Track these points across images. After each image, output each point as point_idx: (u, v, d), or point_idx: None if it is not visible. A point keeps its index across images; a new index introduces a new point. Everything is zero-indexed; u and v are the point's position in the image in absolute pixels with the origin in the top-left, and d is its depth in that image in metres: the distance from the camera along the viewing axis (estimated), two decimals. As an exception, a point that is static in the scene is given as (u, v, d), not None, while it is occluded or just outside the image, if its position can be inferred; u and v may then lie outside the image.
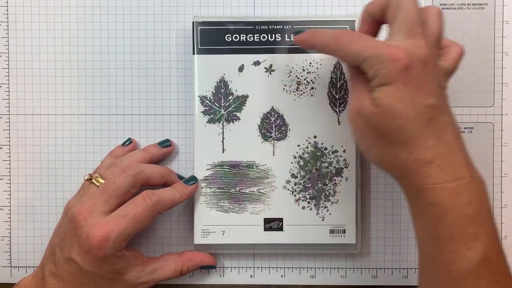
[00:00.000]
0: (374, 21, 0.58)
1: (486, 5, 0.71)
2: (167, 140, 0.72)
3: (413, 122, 0.51)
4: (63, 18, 0.73)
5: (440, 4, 0.71)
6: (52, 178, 0.73)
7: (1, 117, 0.73)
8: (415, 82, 0.51)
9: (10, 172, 0.73)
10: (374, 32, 0.59)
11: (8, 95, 0.73)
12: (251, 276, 0.73)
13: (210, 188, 0.70)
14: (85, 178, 0.67)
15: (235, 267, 0.73)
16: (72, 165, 0.73)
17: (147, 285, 0.67)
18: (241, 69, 0.69)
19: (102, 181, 0.66)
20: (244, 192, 0.70)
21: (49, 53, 0.73)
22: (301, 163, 0.69)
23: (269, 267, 0.73)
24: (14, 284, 0.67)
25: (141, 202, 0.64)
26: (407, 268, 0.72)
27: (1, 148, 0.73)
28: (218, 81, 0.69)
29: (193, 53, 0.69)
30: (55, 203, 0.73)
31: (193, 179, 0.69)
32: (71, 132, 0.73)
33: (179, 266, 0.68)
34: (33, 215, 0.73)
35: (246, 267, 0.73)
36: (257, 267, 0.73)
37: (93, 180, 0.66)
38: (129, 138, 0.72)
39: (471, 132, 0.72)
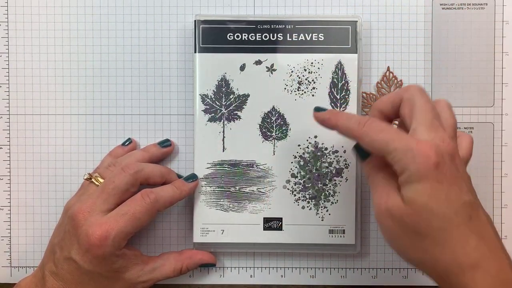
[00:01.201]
0: (384, 117, 0.57)
1: (486, 5, 0.71)
2: (167, 140, 0.72)
3: (453, 222, 0.49)
4: (63, 18, 0.73)
5: (440, 4, 0.71)
6: (52, 178, 0.73)
7: (1, 117, 0.73)
8: (447, 178, 0.50)
9: (10, 172, 0.73)
10: None
11: (8, 95, 0.73)
12: (251, 276, 0.73)
13: (210, 186, 0.70)
14: (85, 178, 0.67)
15: (235, 267, 0.73)
16: (72, 165, 0.73)
17: (146, 284, 0.67)
18: (242, 68, 0.69)
19: (101, 180, 0.66)
20: (244, 191, 0.70)
21: (49, 53, 0.73)
22: (301, 163, 0.69)
23: (269, 267, 0.73)
24: (14, 284, 0.67)
25: (139, 200, 0.64)
26: (407, 268, 0.72)
27: (1, 148, 0.73)
28: (219, 80, 0.69)
29: (195, 52, 0.69)
30: (55, 203, 0.73)
31: (193, 177, 0.69)
32: (71, 132, 0.73)
33: (179, 265, 0.68)
34: (33, 215, 0.73)
35: (246, 267, 0.73)
36: (257, 267, 0.73)
37: (92, 180, 0.66)
38: (129, 138, 0.72)
39: (471, 132, 0.72)
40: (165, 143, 0.72)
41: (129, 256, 0.65)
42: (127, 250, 0.64)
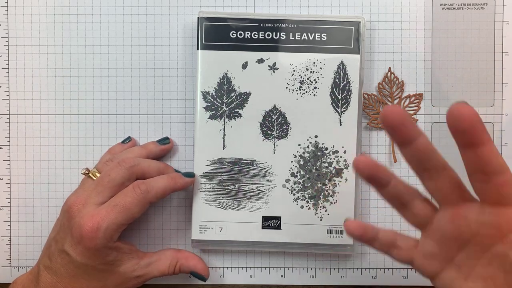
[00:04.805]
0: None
1: (486, 5, 0.71)
2: (166, 138, 0.72)
3: None
4: (63, 18, 0.73)
5: (440, 4, 0.71)
6: (52, 178, 0.73)
7: (1, 117, 0.73)
8: None
9: (10, 172, 0.73)
10: None
11: (8, 95, 0.73)
12: (251, 276, 0.73)
13: (210, 184, 0.70)
14: (82, 172, 0.67)
15: (235, 267, 0.73)
16: (72, 165, 0.73)
17: (141, 279, 0.66)
18: (244, 66, 0.69)
19: (98, 175, 0.66)
20: (243, 189, 0.70)
21: (49, 53, 0.73)
22: (301, 162, 0.69)
23: (269, 267, 0.73)
24: (14, 284, 0.67)
25: (130, 192, 0.63)
26: (407, 268, 0.72)
27: (1, 148, 0.73)
28: (221, 77, 0.69)
29: (197, 49, 0.69)
30: (55, 203, 0.73)
31: (191, 174, 0.69)
32: (71, 132, 0.73)
33: (174, 261, 0.68)
34: (33, 215, 0.73)
35: (246, 267, 0.73)
36: (257, 267, 0.73)
37: (90, 174, 0.66)
38: (129, 136, 0.72)
39: (471, 132, 0.72)
40: (164, 141, 0.71)
41: (123, 250, 0.64)
42: (121, 243, 0.64)
